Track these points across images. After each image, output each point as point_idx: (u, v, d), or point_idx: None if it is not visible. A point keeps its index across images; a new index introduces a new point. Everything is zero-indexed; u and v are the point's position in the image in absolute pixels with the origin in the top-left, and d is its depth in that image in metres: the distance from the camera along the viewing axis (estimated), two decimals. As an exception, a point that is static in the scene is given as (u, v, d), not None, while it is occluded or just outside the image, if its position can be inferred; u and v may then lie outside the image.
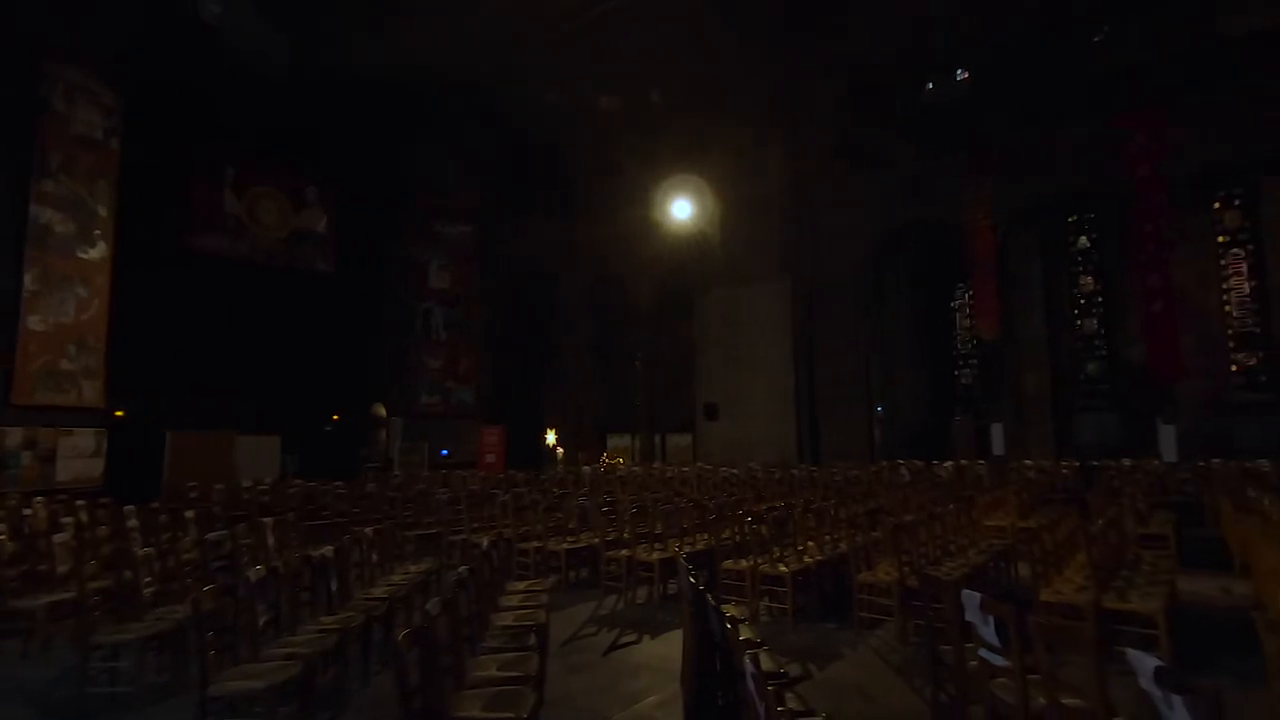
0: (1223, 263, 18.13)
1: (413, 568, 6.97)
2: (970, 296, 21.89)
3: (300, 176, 22.44)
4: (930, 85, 21.96)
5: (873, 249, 21.18)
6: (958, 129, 19.93)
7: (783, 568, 6.73)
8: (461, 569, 4.59)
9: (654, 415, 25.97)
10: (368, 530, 6.49)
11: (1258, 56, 15.77)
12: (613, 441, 27.08)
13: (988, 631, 3.53)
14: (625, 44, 20.41)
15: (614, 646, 6.07)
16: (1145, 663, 2.66)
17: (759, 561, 6.88)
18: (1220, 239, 18.20)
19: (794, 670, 5.27)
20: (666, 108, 23.33)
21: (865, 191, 20.63)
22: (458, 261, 25.03)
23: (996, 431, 19.15)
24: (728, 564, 7.20)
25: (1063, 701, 3.17)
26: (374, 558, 6.39)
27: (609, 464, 23.74)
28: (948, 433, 21.70)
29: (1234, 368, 17.80)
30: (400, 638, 2.78)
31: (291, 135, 21.12)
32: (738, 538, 7.57)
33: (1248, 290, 17.88)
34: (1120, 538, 7.74)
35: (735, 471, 16.30)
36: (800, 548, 7.56)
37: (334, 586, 5.15)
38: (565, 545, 8.51)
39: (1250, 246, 17.86)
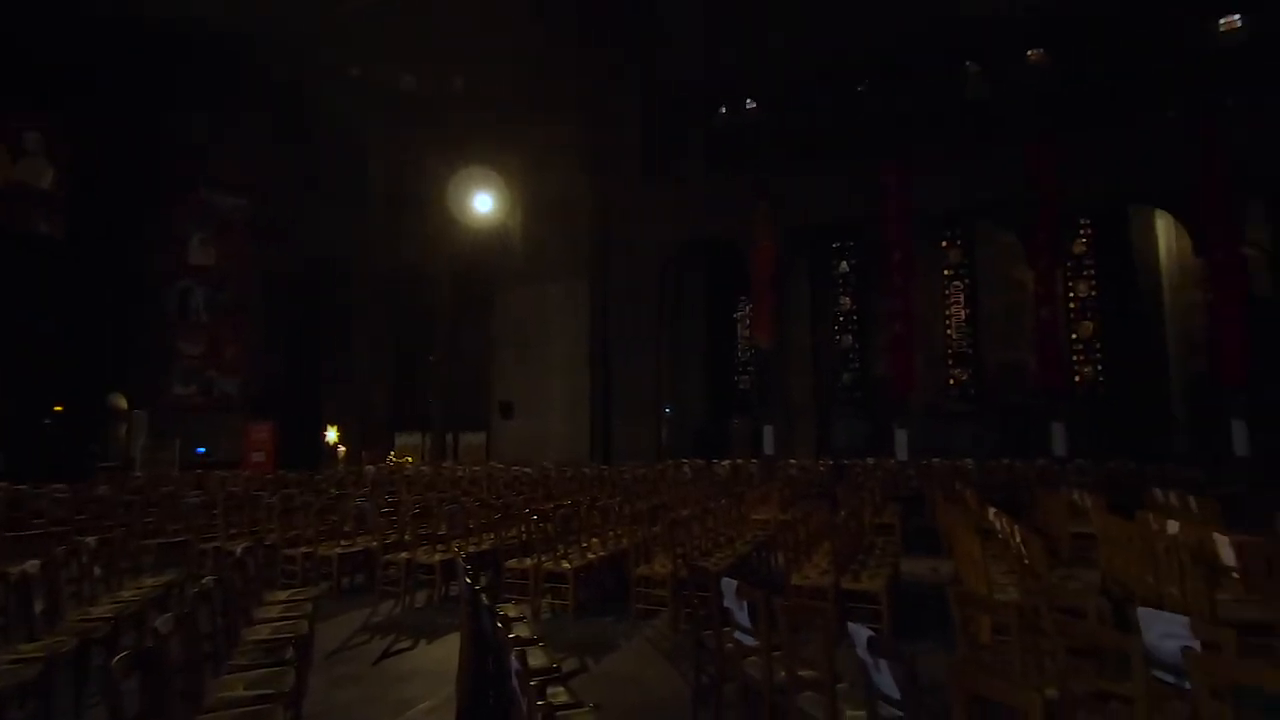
0: (946, 292, 21.51)
1: (150, 581, 6.12)
2: (750, 309, 23.84)
3: (18, 119, 18.77)
4: (723, 110, 23.63)
5: (669, 259, 22.27)
6: (745, 154, 21.64)
7: (566, 564, 6.85)
8: (207, 579, 4.12)
9: (448, 413, 25.17)
10: (90, 540, 5.60)
11: (984, 121, 18.92)
12: (402, 440, 25.80)
13: (742, 615, 3.88)
14: (430, 26, 19.61)
15: (386, 654, 5.79)
16: (861, 634, 3.09)
17: (543, 560, 6.94)
18: (946, 272, 21.58)
19: (571, 665, 5.39)
20: (471, 99, 22.77)
21: (664, 204, 21.64)
22: (227, 237, 22.42)
23: (768, 433, 21.01)
24: (511, 563, 7.18)
25: (800, 674, 3.57)
26: (96, 571, 5.53)
27: (396, 463, 22.60)
28: (728, 434, 23.44)
29: (951, 381, 21.20)
30: (114, 662, 2.44)
31: (9, 67, 17.60)
32: (524, 537, 7.58)
33: (964, 316, 21.38)
34: (859, 527, 8.85)
35: (528, 470, 16.28)
36: (585, 545, 7.75)
37: (39, 608, 4.38)
38: (338, 549, 7.96)
39: (967, 280, 21.38)
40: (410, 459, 23.72)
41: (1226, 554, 6.08)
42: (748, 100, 23.33)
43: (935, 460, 17.56)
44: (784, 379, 22.10)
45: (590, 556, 7.30)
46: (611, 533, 8.44)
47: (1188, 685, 3.27)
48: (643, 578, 6.80)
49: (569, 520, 7.80)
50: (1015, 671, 3.92)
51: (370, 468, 19.41)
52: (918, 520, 12.27)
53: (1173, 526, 6.86)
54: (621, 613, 6.84)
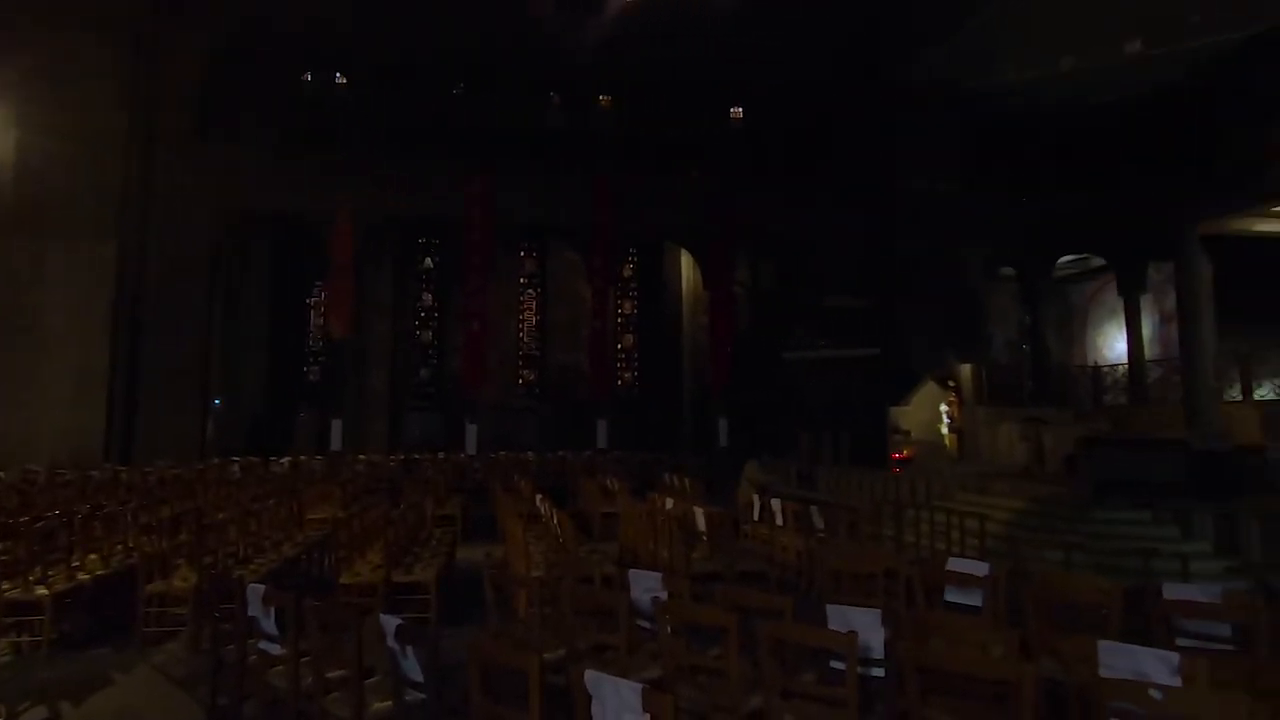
0: (521, 298, 23.25)
1: None
2: (326, 296, 22.23)
3: None
4: (309, 77, 21.62)
5: (231, 229, 19.40)
6: (330, 129, 20.13)
7: (42, 590, 5.50)
8: None
9: None
10: None
11: (564, 149, 20.83)
12: None
13: (268, 624, 3.64)
14: None
15: None
16: (390, 625, 3.20)
17: (6, 587, 5.46)
18: (521, 280, 23.29)
19: (37, 714, 4.36)
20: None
21: (229, 166, 18.76)
22: None
23: (337, 427, 19.83)
24: (-50, 598, 5.49)
25: (328, 676, 3.51)
26: None
27: None
28: (292, 428, 21.44)
29: (520, 381, 22.95)
30: None
31: None
32: (-24, 562, 5.85)
33: (534, 322, 23.35)
34: (420, 519, 9.00)
35: (1, 476, 12.55)
36: (76, 563, 6.32)
37: None
38: None
39: (539, 289, 23.40)
40: None
41: (701, 522, 7.86)
42: (338, 74, 21.76)
43: (502, 453, 18.76)
44: (359, 371, 21.16)
45: (82, 577, 5.99)
46: (120, 546, 7.05)
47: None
48: (157, 596, 5.85)
49: (52, 535, 6.27)
50: (535, 637, 4.47)
51: None
52: (480, 510, 12.95)
53: (669, 503, 8.58)
54: (125, 640, 5.76)
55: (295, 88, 21.31)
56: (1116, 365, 18.81)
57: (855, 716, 3.19)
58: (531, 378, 23.17)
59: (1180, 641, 4.11)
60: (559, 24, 18.67)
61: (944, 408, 15.67)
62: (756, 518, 9.14)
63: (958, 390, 15.83)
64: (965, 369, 15.99)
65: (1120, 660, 3.12)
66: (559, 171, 19.97)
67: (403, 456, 18.07)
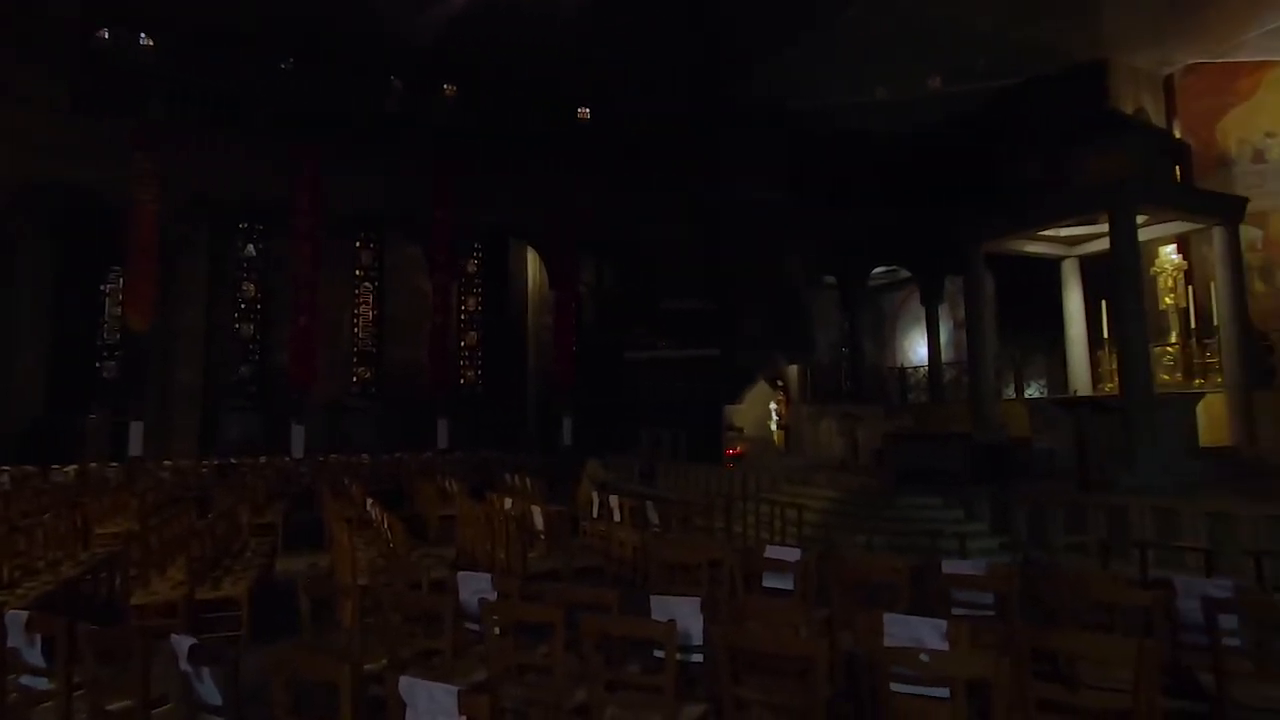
0: (357, 292, 21.98)
1: None
2: (124, 283, 19.75)
3: None
4: (107, 35, 19.10)
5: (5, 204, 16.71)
6: (131, 95, 17.91)
7: None
8: None
9: None
10: None
11: (404, 136, 19.87)
12: None
13: (33, 655, 3.22)
14: None
15: None
16: (183, 646, 2.94)
17: None
18: (357, 272, 22.02)
19: None
20: None
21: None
22: None
23: (137, 430, 17.70)
24: None
25: (108, 708, 3.17)
26: None
27: None
28: (81, 432, 18.82)
29: (354, 379, 21.70)
30: None
31: None
32: None
33: (371, 318, 22.18)
34: (233, 529, 8.30)
35: None
36: None
37: None
38: None
39: (377, 282, 22.25)
40: None
41: (539, 521, 7.87)
42: (143, 35, 19.39)
43: (333, 456, 17.66)
44: (165, 368, 19.01)
45: None
46: None
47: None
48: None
49: None
50: (355, 648, 4.28)
51: None
52: (307, 517, 12.17)
53: (508, 503, 8.52)
54: None
55: (88, 44, 18.76)
56: (919, 367, 21.02)
57: (674, 702, 3.36)
58: (367, 375, 22.00)
59: (955, 610, 4.66)
60: (401, 3, 17.84)
61: (773, 406, 16.76)
62: (595, 515, 9.29)
63: (785, 389, 16.99)
64: (792, 370, 17.20)
65: (901, 630, 3.50)
66: (399, 159, 19.11)
67: (216, 462, 16.50)
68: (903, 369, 21.88)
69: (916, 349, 22.23)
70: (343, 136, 18.89)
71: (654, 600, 3.90)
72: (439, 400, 19.42)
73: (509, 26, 17.76)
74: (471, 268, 23.47)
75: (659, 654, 3.50)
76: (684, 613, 3.80)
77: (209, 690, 2.92)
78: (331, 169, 18.25)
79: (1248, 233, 13.73)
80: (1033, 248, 13.63)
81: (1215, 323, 12.58)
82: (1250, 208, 12.59)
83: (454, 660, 3.96)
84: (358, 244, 22.06)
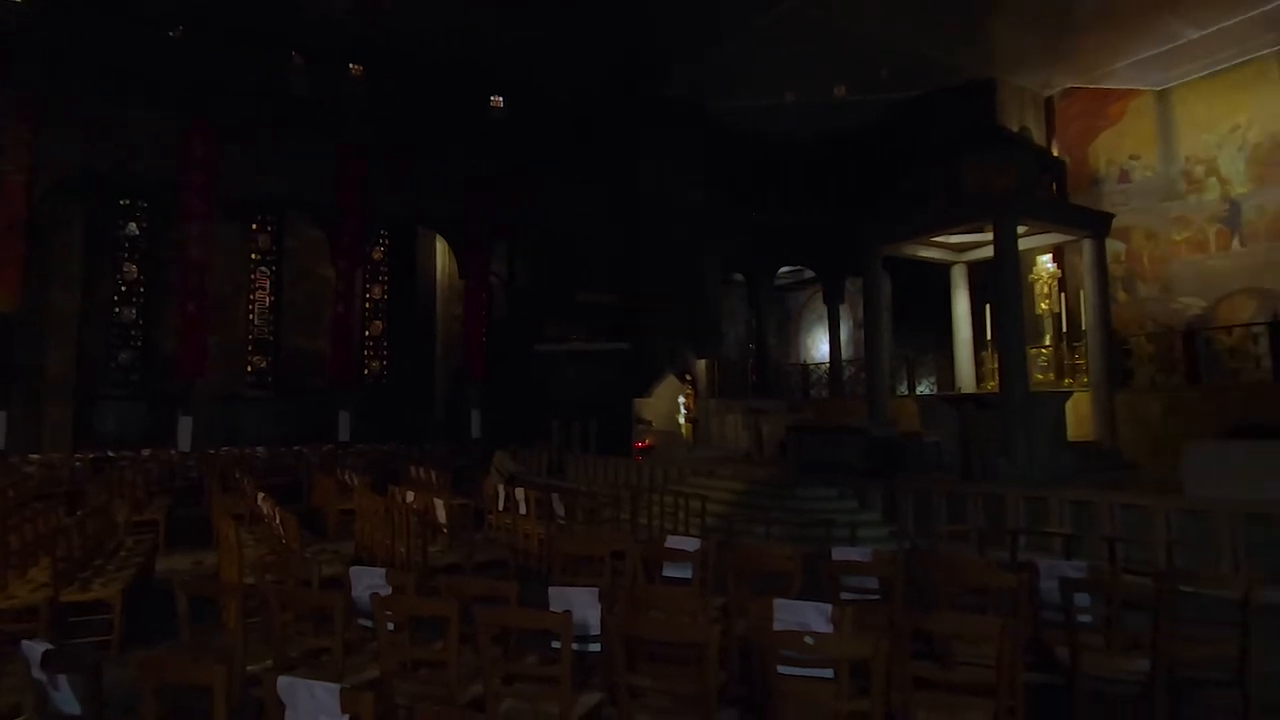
0: (253, 276, 20.82)
1: None
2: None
3: None
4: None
5: None
6: (1, 59, 16.25)
7: None
8: None
9: None
10: None
11: (307, 115, 18.84)
12: None
13: None
14: None
15: None
16: (35, 652, 2.74)
17: None
18: (254, 256, 20.86)
19: None
20: None
21: None
22: None
23: (0, 421, 16.21)
24: None
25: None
26: None
27: None
28: (-72, 423, 17.02)
29: (249, 368, 20.58)
30: None
31: None
32: None
33: (269, 304, 21.07)
34: (107, 527, 7.74)
35: None
36: None
37: None
38: None
39: (275, 268, 21.15)
40: None
41: (441, 514, 7.72)
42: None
43: (224, 449, 16.71)
44: (34, 354, 17.44)
45: None
46: None
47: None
48: None
49: None
50: (238, 649, 4.09)
51: None
52: (192, 513, 11.54)
53: (410, 496, 8.30)
54: None
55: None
56: (821, 364, 21.86)
57: (570, 692, 3.39)
58: (263, 364, 20.90)
59: (844, 595, 4.90)
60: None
61: (682, 399, 17.03)
62: (502, 508, 9.20)
63: (694, 383, 17.30)
64: (701, 364, 17.53)
65: (790, 614, 3.65)
66: (301, 140, 18.19)
67: (92, 455, 15.30)
68: (806, 365, 22.69)
69: (819, 346, 23.09)
70: (238, 112, 17.79)
71: (552, 591, 3.91)
72: (341, 391, 18.68)
73: (420, 4, 17.20)
74: (378, 255, 22.69)
75: (557, 645, 3.52)
76: (582, 603, 3.84)
77: (66, 699, 2.73)
78: (227, 146, 17.19)
79: (1113, 246, 15.02)
80: (926, 253, 14.41)
81: (1083, 327, 13.69)
82: (1115, 224, 13.75)
83: (345, 658, 3.85)
84: (255, 226, 20.91)
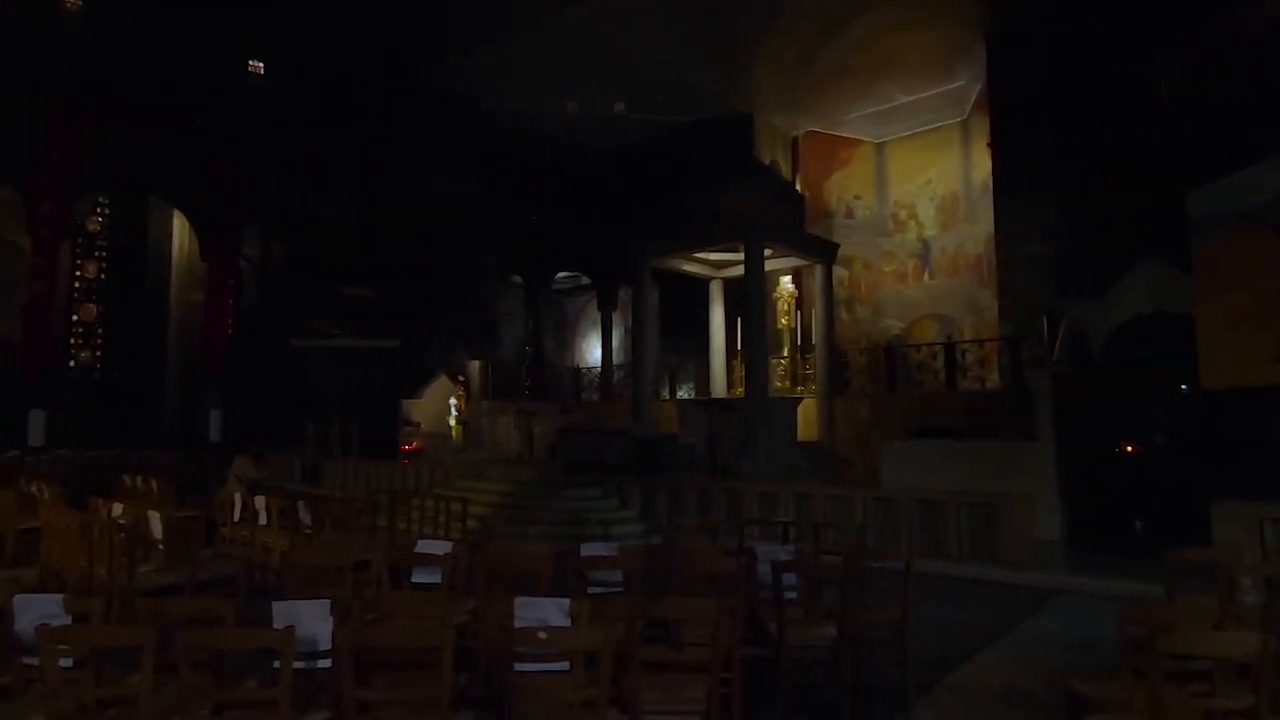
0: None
1: None
2: None
3: None
4: None
5: None
6: None
7: None
8: None
9: None
10: None
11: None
12: None
13: None
14: None
15: None
16: None
17: None
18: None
19: None
20: None
21: None
22: None
23: None
24: None
25: None
26: None
27: None
28: None
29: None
30: None
31: None
32: None
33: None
34: None
35: None
36: None
37: None
38: None
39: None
40: None
41: (157, 529, 6.80)
42: None
43: None
44: None
45: None
46: None
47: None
48: None
49: None
50: None
51: None
52: None
53: (117, 509, 7.20)
54: None
55: None
56: (594, 368, 22.58)
57: (289, 714, 3.19)
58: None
59: (592, 590, 5.11)
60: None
61: (453, 401, 16.64)
62: (238, 518, 8.33)
63: (467, 385, 16.98)
64: (475, 365, 17.25)
65: (530, 612, 3.75)
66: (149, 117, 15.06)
67: None
68: (578, 369, 23.28)
69: (593, 351, 23.81)
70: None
71: (276, 606, 3.65)
72: (34, 385, 15.57)
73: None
74: (94, 226, 19.28)
75: (279, 664, 3.29)
76: (312, 617, 3.63)
77: None
78: (75, 126, 13.82)
79: (839, 272, 17.35)
80: (689, 267, 15.55)
81: (814, 341, 15.65)
82: (841, 253, 15.94)
83: (5, 703, 3.26)
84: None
